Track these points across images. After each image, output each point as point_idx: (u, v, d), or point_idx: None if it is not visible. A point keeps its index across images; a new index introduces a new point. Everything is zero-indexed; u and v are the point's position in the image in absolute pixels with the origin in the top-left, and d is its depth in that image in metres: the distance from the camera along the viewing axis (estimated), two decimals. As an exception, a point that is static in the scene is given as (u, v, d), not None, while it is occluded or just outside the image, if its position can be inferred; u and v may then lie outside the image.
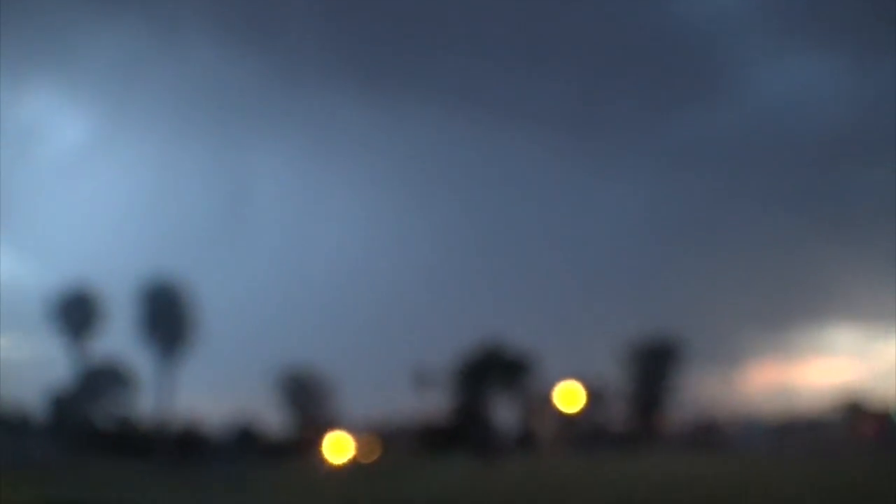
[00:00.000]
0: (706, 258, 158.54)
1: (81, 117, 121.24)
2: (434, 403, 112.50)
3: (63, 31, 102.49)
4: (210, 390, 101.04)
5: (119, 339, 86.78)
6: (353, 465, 62.11)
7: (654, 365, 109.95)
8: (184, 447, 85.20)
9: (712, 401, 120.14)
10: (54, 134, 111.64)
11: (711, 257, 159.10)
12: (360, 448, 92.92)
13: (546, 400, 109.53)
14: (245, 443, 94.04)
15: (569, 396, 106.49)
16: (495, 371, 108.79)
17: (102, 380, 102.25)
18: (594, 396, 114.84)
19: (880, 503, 10.64)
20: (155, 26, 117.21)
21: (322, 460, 79.04)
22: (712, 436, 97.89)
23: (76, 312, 78.01)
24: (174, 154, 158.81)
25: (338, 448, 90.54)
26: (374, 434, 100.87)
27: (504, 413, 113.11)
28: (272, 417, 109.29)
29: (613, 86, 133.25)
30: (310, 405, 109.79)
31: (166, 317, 77.03)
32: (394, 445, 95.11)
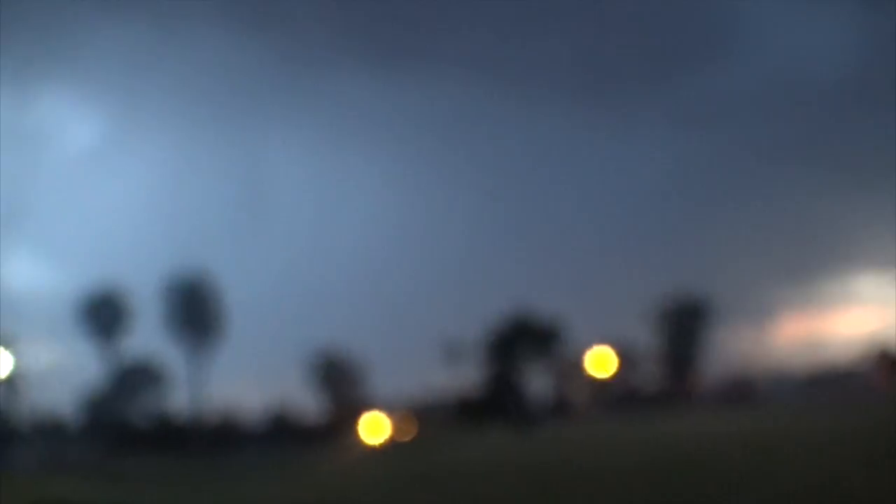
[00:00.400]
0: (729, 215, 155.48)
1: (94, 117, 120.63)
2: (466, 377, 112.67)
3: (70, 29, 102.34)
4: (243, 380, 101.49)
5: (149, 337, 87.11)
6: (390, 444, 62.48)
7: (684, 324, 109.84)
8: (220, 438, 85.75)
9: (743, 356, 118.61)
10: (68, 135, 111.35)
11: (734, 213, 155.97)
12: (396, 426, 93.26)
13: (578, 366, 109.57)
14: (281, 429, 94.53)
15: (600, 361, 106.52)
16: (525, 340, 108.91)
17: (135, 378, 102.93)
18: (625, 359, 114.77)
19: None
20: (162, 19, 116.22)
21: (359, 441, 79.50)
22: (744, 391, 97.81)
23: (104, 313, 78.40)
24: (190, 147, 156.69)
25: (374, 428, 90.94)
26: (409, 411, 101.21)
27: (537, 382, 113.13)
28: (307, 402, 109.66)
29: (625, 48, 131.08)
30: (343, 387, 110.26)
31: (194, 311, 77.37)
32: (429, 421, 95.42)
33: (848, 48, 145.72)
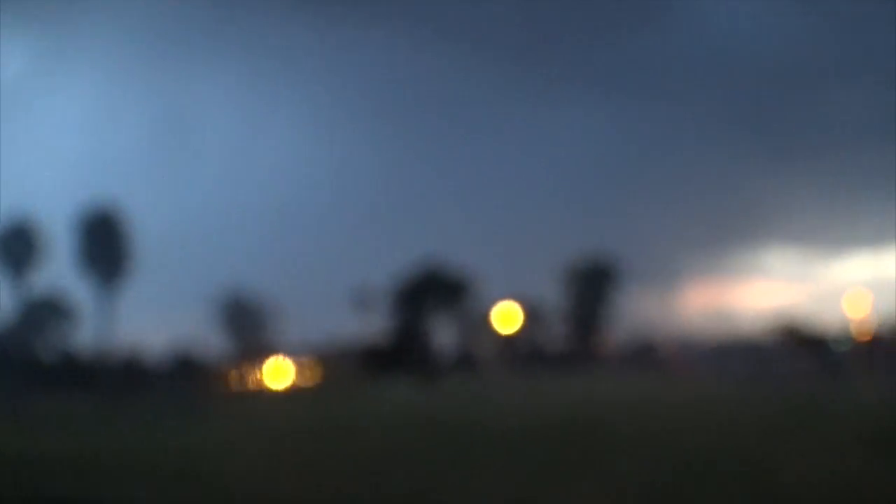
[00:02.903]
0: (644, 180, 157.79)
1: (18, 48, 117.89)
2: (374, 325, 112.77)
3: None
4: (150, 319, 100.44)
5: (58, 271, 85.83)
6: (293, 390, 62.41)
7: (593, 286, 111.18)
8: (126, 378, 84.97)
9: (650, 322, 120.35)
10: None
11: (650, 179, 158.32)
12: (300, 372, 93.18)
13: (485, 320, 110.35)
14: (186, 371, 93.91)
15: (507, 317, 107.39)
16: (434, 292, 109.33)
17: (43, 312, 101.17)
18: (532, 317, 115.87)
19: (809, 427, 11.02)
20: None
21: (262, 385, 79.30)
22: (650, 356, 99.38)
23: (16, 245, 76.89)
24: (113, 83, 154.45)
25: (278, 373, 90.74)
26: (314, 358, 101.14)
27: (444, 334, 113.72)
28: (213, 344, 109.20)
29: (558, 12, 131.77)
30: (250, 330, 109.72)
31: (105, 246, 76.24)
32: (335, 369, 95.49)
33: (784, 28, 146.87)
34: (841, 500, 6.60)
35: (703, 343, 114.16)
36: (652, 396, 19.57)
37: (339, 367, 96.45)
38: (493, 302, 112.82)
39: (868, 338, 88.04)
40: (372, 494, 7.49)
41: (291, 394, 55.00)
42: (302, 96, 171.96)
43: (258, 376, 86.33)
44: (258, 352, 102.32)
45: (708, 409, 16.34)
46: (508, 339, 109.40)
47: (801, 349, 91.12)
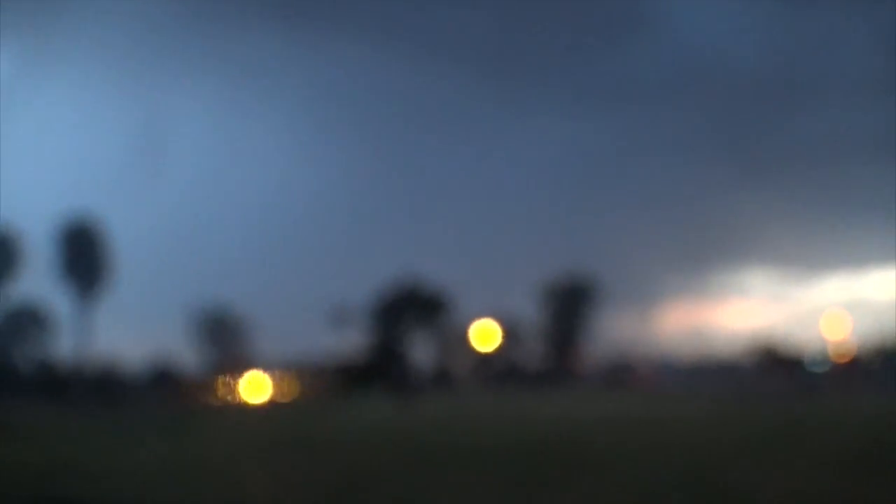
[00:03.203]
0: (624, 199, 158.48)
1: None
2: (351, 341, 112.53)
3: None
4: (128, 330, 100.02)
5: (36, 281, 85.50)
6: (270, 405, 62.23)
7: (570, 304, 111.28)
8: (102, 389, 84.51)
9: (627, 341, 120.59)
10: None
11: (629, 198, 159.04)
12: (277, 387, 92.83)
13: (462, 338, 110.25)
14: (163, 383, 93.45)
15: (484, 335, 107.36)
16: (411, 309, 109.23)
17: (21, 322, 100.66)
18: (509, 335, 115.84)
19: (784, 448, 11.06)
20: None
21: (239, 400, 79.00)
22: (626, 375, 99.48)
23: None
24: (91, 94, 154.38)
25: (255, 387, 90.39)
26: (291, 373, 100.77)
27: (420, 351, 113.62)
28: (190, 357, 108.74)
29: (535, 23, 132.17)
30: (227, 344, 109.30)
31: (83, 257, 76.06)
32: (311, 384, 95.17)
33: (761, 47, 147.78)
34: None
35: (679, 362, 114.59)
36: (627, 415, 19.61)
37: (316, 383, 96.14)
38: (470, 319, 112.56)
39: (846, 359, 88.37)
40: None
41: (268, 408, 54.84)
42: (280, 110, 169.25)
43: (235, 390, 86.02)
44: (235, 365, 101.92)
45: (684, 428, 16.38)
46: (486, 357, 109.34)
47: (778, 369, 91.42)
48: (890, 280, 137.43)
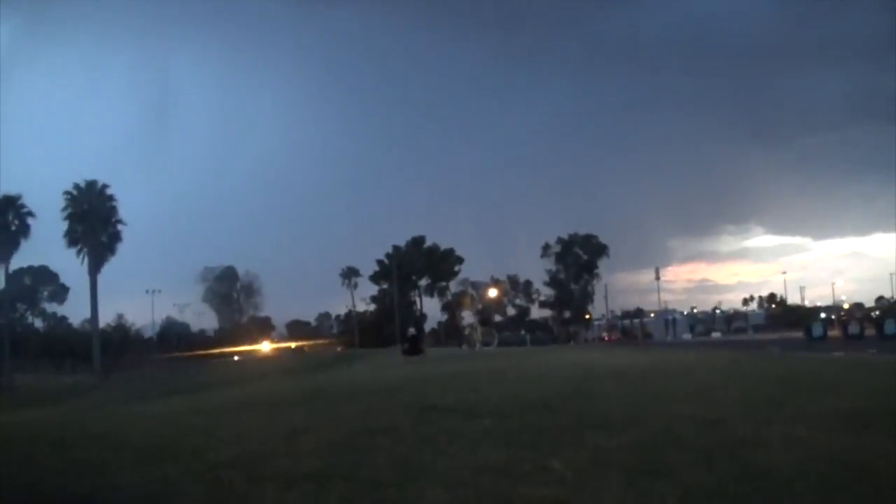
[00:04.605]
0: (629, 156, 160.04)
1: (1, 27, 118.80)
2: (360, 300, 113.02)
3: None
4: (139, 293, 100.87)
5: (47, 246, 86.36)
6: (280, 361, 62.65)
7: (576, 263, 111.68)
8: (115, 350, 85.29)
9: (634, 298, 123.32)
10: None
11: (633, 156, 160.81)
12: (287, 345, 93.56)
13: (472, 296, 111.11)
14: (174, 341, 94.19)
15: (493, 292, 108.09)
16: (421, 267, 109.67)
17: (32, 285, 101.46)
18: (518, 293, 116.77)
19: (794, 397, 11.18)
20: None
21: (252, 356, 79.61)
22: (634, 331, 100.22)
23: (4, 220, 77.16)
24: (97, 61, 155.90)
25: (266, 345, 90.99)
26: (301, 330, 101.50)
27: (429, 308, 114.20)
28: (201, 315, 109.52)
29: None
30: (238, 303, 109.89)
31: (92, 223, 76.53)
32: (321, 340, 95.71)
33: (767, 10, 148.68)
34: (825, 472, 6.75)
35: (686, 318, 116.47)
36: (637, 363, 19.76)
37: (326, 339, 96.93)
38: (479, 278, 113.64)
39: (849, 316, 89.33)
40: (356, 460, 7.60)
41: (278, 364, 55.20)
42: (286, 77, 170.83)
43: (247, 348, 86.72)
44: (246, 325, 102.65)
45: (691, 371, 16.52)
46: (492, 314, 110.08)
47: (785, 325, 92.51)
48: (893, 243, 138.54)
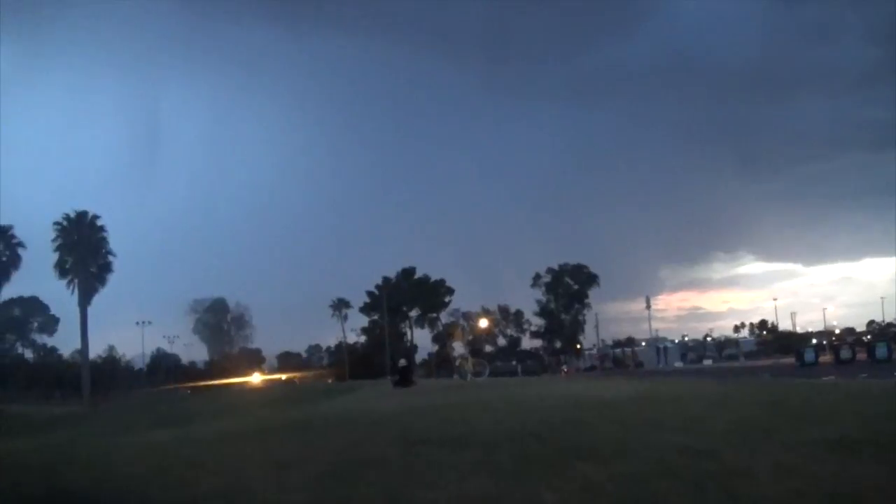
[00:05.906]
0: (617, 186, 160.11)
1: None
2: (351, 330, 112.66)
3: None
4: (129, 324, 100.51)
5: (36, 275, 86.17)
6: (269, 392, 62.33)
7: (569, 292, 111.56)
8: (105, 381, 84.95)
9: (625, 327, 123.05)
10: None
11: (622, 185, 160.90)
12: (277, 375, 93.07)
13: (462, 326, 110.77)
14: (164, 373, 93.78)
15: (484, 323, 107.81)
16: (411, 298, 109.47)
17: (22, 316, 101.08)
18: (509, 323, 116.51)
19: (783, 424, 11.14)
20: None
21: (240, 387, 79.22)
22: (624, 360, 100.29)
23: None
24: (90, 91, 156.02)
25: (255, 375, 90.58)
26: (291, 361, 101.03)
27: (420, 338, 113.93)
28: (191, 347, 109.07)
29: (532, 12, 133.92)
30: (228, 335, 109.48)
31: (83, 253, 76.47)
32: (311, 372, 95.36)
33: (754, 37, 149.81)
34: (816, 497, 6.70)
35: (677, 346, 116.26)
36: (627, 394, 19.65)
37: (317, 371, 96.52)
38: (469, 308, 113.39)
39: (840, 341, 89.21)
40: (345, 493, 7.53)
41: (268, 395, 54.93)
42: (278, 105, 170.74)
43: (238, 380, 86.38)
44: (236, 357, 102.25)
45: (688, 404, 16.46)
46: (484, 344, 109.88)
47: (776, 352, 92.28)
48: (884, 267, 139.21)
